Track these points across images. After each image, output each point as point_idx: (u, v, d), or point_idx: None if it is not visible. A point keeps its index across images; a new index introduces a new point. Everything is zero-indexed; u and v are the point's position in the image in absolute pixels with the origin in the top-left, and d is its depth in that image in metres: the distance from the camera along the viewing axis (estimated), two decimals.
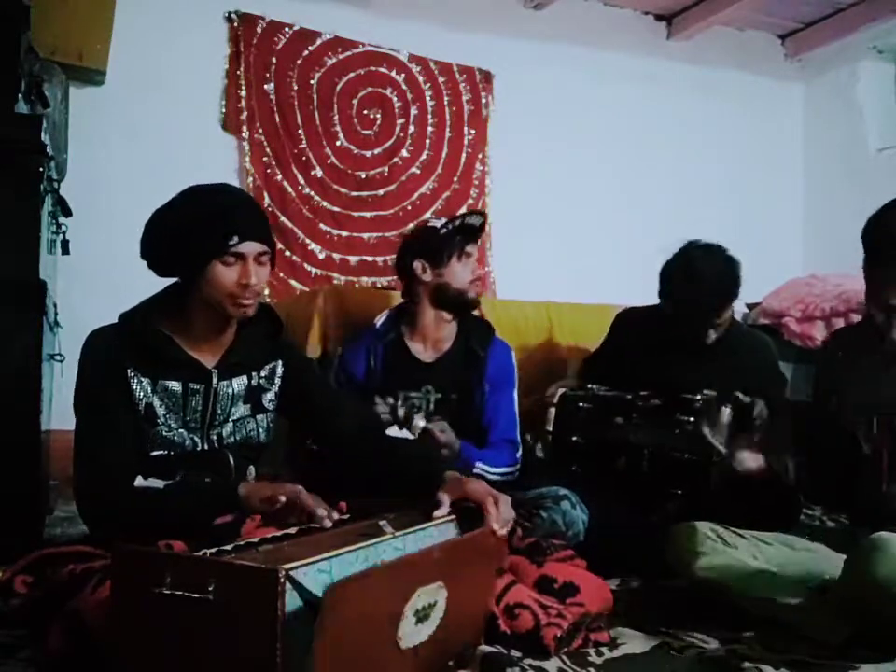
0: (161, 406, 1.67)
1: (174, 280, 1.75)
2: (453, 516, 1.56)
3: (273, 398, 1.82)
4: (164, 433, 1.68)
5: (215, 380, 1.71)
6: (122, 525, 1.53)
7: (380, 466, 1.78)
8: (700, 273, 2.31)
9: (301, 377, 1.85)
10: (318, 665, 1.06)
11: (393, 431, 1.92)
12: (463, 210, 4.31)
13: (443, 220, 2.39)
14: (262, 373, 1.80)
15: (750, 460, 1.86)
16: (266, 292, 3.50)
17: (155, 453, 1.67)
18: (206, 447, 1.73)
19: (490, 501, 1.53)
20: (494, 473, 2.22)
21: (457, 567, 1.34)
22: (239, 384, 1.76)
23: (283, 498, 1.49)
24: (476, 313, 2.64)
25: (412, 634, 1.25)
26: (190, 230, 1.63)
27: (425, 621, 1.27)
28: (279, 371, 1.82)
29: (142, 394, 1.65)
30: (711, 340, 2.35)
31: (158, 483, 1.62)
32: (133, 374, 1.65)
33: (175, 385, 1.68)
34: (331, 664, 1.09)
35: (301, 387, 1.85)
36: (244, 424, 1.78)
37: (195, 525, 1.49)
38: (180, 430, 1.69)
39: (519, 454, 2.35)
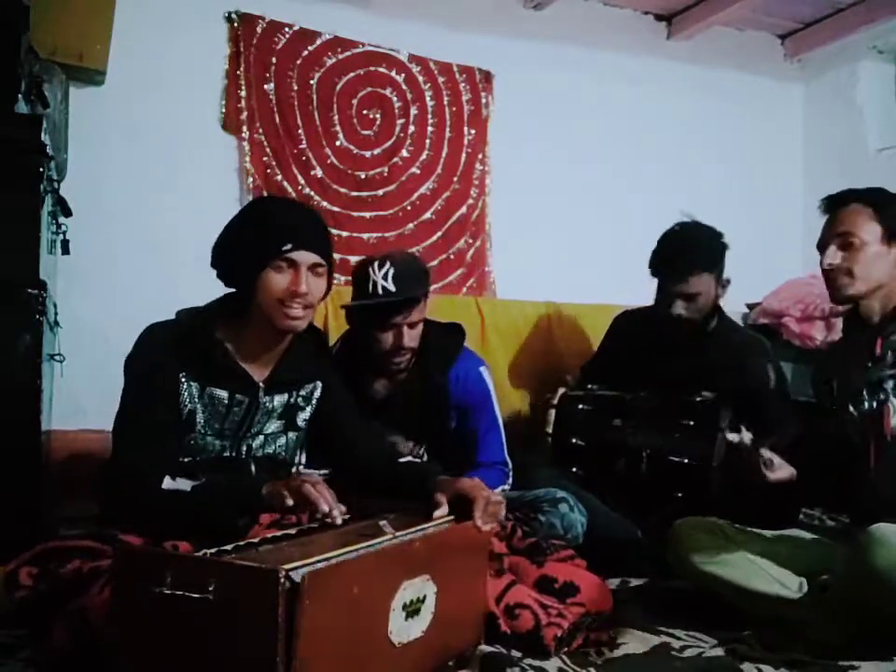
0: (202, 413, 1.69)
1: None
2: (451, 517, 1.56)
3: (307, 417, 1.83)
4: (198, 440, 1.69)
5: (261, 394, 1.72)
6: (147, 522, 1.55)
7: (386, 487, 1.79)
8: (667, 237, 2.41)
9: (333, 401, 1.87)
10: (300, 652, 1.06)
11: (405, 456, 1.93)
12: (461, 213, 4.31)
13: (364, 292, 2.10)
14: (302, 392, 1.81)
15: (782, 469, 1.85)
16: None
17: (183, 459, 1.68)
18: (233, 455, 1.74)
19: (481, 497, 1.52)
20: None
21: (444, 562, 1.35)
22: (280, 400, 1.77)
23: (290, 502, 1.49)
24: (475, 312, 2.62)
25: (403, 629, 1.26)
26: (249, 236, 1.66)
27: (415, 616, 1.28)
28: (317, 392, 1.84)
29: (188, 399, 1.67)
30: (679, 312, 2.35)
31: (185, 485, 1.63)
32: (183, 378, 1.66)
33: (221, 394, 1.70)
34: (316, 657, 1.10)
35: (332, 411, 1.86)
36: (274, 439, 1.79)
37: (218, 524, 1.49)
38: (213, 438, 1.70)
39: (509, 469, 2.27)
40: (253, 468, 1.75)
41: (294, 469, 2.01)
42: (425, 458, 2.24)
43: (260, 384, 1.73)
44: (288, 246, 1.62)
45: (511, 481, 2.27)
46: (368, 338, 2.13)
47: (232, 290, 1.74)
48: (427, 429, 2.22)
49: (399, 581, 1.25)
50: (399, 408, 2.21)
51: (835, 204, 1.96)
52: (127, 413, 1.67)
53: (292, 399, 1.80)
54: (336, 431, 1.86)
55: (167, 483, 1.63)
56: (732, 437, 1.81)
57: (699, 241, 2.38)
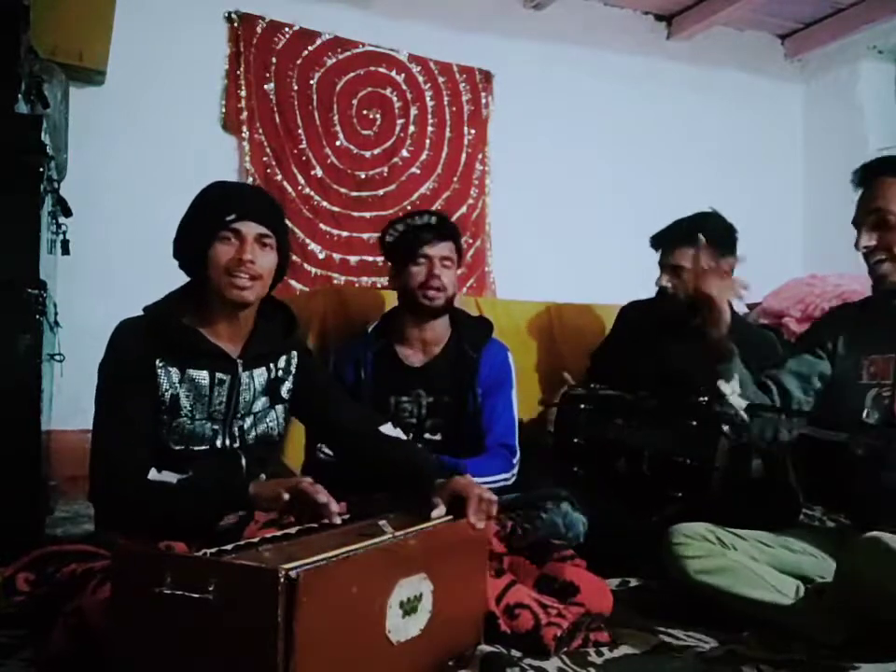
0: (186, 397, 1.69)
1: (184, 276, 1.77)
2: (451, 517, 1.55)
3: (290, 387, 1.85)
4: (186, 425, 1.70)
5: (240, 370, 1.73)
6: (134, 519, 1.55)
7: (375, 462, 1.81)
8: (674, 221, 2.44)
9: (310, 371, 1.89)
10: (300, 656, 1.07)
11: (387, 429, 1.92)
12: (463, 209, 4.31)
13: (400, 221, 2.33)
14: (280, 364, 1.83)
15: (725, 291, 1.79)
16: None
17: (176, 447, 1.69)
18: (227, 440, 1.74)
19: (473, 495, 1.52)
20: (485, 483, 2.13)
21: (440, 560, 1.36)
22: (260, 376, 1.79)
23: (286, 496, 1.50)
24: (475, 312, 2.63)
25: (400, 628, 1.26)
26: (196, 215, 1.70)
27: (412, 614, 1.29)
28: (294, 362, 1.86)
29: (168, 385, 1.68)
30: (662, 283, 2.37)
31: (171, 478, 1.63)
32: (161, 365, 1.67)
33: (202, 375, 1.71)
34: (315, 656, 1.10)
35: (309, 381, 1.88)
36: (263, 416, 1.80)
37: (204, 522, 1.50)
38: (203, 421, 1.71)
39: (516, 459, 2.28)
40: (244, 460, 1.76)
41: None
42: (438, 437, 2.28)
43: (238, 360, 1.74)
44: (232, 216, 1.64)
45: (515, 471, 2.28)
46: (404, 278, 2.27)
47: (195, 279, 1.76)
48: (455, 403, 2.29)
49: (395, 579, 1.26)
50: (433, 377, 2.31)
51: (867, 176, 1.76)
52: (103, 411, 1.67)
53: (272, 374, 1.81)
54: (314, 399, 1.87)
55: (153, 474, 1.63)
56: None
57: (695, 219, 2.39)
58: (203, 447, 1.72)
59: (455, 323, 2.36)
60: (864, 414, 1.72)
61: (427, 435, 2.29)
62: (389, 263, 2.36)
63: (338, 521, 1.46)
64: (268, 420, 1.81)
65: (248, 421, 1.78)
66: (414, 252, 2.24)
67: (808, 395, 1.85)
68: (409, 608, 1.28)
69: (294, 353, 1.85)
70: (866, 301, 1.93)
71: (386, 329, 2.36)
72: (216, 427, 1.73)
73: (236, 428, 1.76)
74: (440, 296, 2.26)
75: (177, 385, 1.68)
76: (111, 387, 1.67)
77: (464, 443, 2.24)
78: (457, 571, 1.44)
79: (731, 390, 1.78)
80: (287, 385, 1.84)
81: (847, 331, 1.84)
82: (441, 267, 2.25)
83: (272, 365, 1.81)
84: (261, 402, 1.80)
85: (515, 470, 2.28)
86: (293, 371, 1.85)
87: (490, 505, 1.53)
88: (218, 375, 1.72)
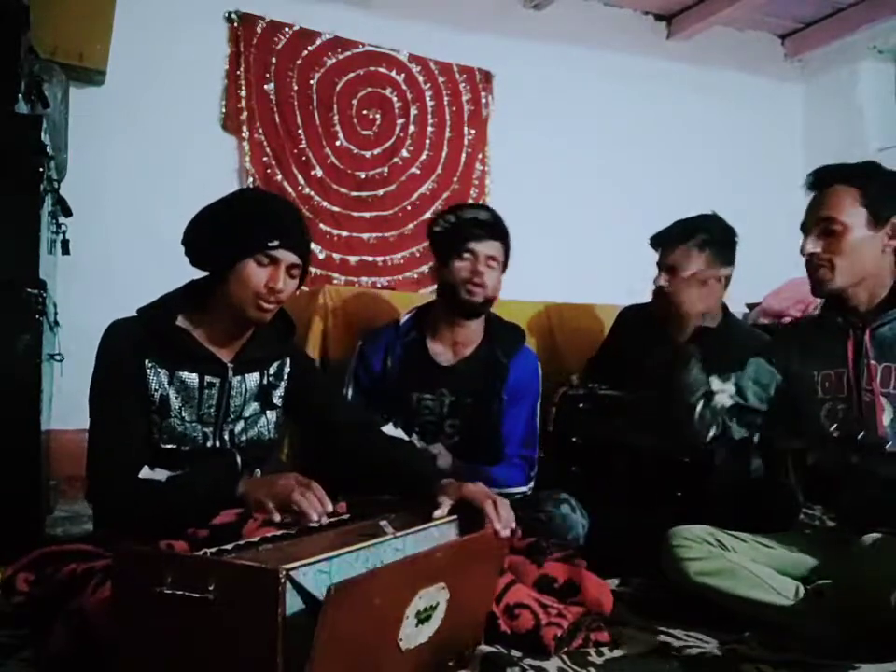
0: (176, 398, 1.69)
1: (184, 277, 1.75)
2: (454, 517, 1.55)
3: (282, 393, 1.84)
4: (177, 426, 1.69)
5: (230, 374, 1.73)
6: (129, 517, 1.55)
7: (374, 464, 1.80)
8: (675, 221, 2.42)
9: (305, 375, 1.88)
10: (317, 665, 1.06)
11: (388, 429, 1.91)
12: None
13: (451, 212, 2.27)
14: (272, 370, 1.82)
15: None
16: None
17: (166, 446, 1.69)
18: (218, 443, 1.74)
19: (490, 503, 1.53)
20: (503, 493, 2.02)
21: (459, 569, 1.34)
22: (252, 380, 1.78)
23: (277, 517, 1.48)
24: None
25: (412, 635, 1.25)
26: (236, 224, 1.67)
27: (426, 622, 1.27)
28: (287, 368, 1.85)
29: (157, 385, 1.67)
30: (659, 283, 2.36)
31: (161, 475, 1.63)
32: (151, 365, 1.67)
33: (191, 378, 1.70)
34: (330, 664, 1.09)
35: (305, 385, 1.87)
36: (255, 421, 1.80)
37: (193, 519, 1.49)
38: (194, 424, 1.71)
39: (534, 472, 2.27)
40: (239, 459, 1.75)
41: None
42: (455, 439, 2.24)
43: (228, 364, 1.74)
44: (275, 243, 1.64)
45: (532, 484, 2.26)
46: (446, 272, 2.21)
47: (194, 280, 1.75)
48: (477, 406, 2.24)
49: (416, 590, 1.24)
50: (460, 377, 2.26)
51: (819, 184, 1.77)
52: (97, 412, 1.67)
53: (265, 380, 1.81)
54: (309, 402, 1.87)
55: (145, 472, 1.63)
56: None
57: (696, 220, 2.39)
58: (195, 448, 1.72)
59: (488, 327, 2.31)
60: (832, 429, 1.75)
61: (444, 436, 2.24)
62: (434, 254, 2.30)
63: (325, 521, 1.45)
64: (259, 425, 1.80)
65: (239, 425, 1.77)
66: (461, 246, 2.18)
67: (763, 403, 1.86)
68: (424, 616, 1.26)
69: (287, 358, 1.85)
70: (820, 317, 1.95)
71: (420, 322, 2.30)
72: (206, 429, 1.73)
73: (227, 432, 1.75)
74: (479, 292, 2.19)
75: (167, 385, 1.68)
76: (104, 388, 1.67)
77: (481, 448, 2.21)
78: (474, 579, 1.42)
79: (720, 388, 1.80)
80: (279, 392, 1.83)
81: (800, 348, 1.87)
82: (485, 265, 2.18)
83: (264, 370, 1.80)
84: (253, 407, 1.79)
85: (532, 484, 2.27)
86: (285, 376, 1.84)
87: (508, 511, 1.53)
88: (208, 378, 1.71)
